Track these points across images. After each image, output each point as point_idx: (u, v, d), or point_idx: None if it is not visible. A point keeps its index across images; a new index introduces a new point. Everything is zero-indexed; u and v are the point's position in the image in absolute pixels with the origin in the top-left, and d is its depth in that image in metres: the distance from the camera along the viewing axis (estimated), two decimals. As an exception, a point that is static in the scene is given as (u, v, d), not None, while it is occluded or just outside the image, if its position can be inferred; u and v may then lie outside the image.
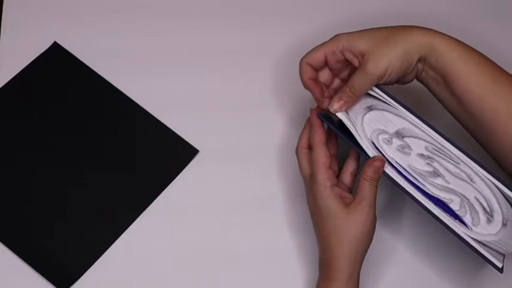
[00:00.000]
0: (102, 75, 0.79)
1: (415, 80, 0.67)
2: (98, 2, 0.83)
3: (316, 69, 0.68)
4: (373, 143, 0.65)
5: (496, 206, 0.63)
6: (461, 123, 0.67)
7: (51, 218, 0.73)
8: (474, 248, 0.62)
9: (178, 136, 0.77)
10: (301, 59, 0.68)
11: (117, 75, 0.79)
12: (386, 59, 0.63)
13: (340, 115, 0.65)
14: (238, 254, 0.72)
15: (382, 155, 0.64)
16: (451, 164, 0.64)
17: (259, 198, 0.75)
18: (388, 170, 0.64)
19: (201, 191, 0.75)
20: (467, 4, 0.85)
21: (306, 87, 0.68)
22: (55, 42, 0.81)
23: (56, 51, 0.80)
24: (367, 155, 0.64)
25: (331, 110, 0.65)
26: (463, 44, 0.65)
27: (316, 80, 0.68)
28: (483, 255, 0.62)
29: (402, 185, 0.63)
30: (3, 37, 0.81)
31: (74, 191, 0.74)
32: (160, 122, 0.77)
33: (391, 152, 0.64)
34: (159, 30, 0.82)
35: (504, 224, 0.63)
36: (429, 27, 0.65)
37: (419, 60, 0.64)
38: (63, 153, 0.76)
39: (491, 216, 0.63)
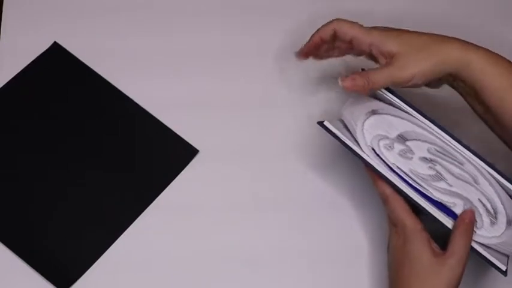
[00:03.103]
0: (102, 75, 0.79)
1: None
2: (98, 2, 0.83)
3: (325, 41, 0.69)
4: (373, 149, 0.64)
5: (500, 207, 0.63)
6: (489, 127, 0.66)
7: (52, 218, 0.73)
8: (477, 251, 0.62)
9: (178, 136, 0.77)
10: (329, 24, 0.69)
11: (117, 75, 0.79)
12: (415, 68, 0.62)
13: (330, 126, 0.65)
14: (238, 254, 0.72)
15: (383, 161, 0.64)
16: (455, 165, 0.64)
17: (259, 198, 0.75)
18: (389, 175, 0.63)
19: (201, 191, 0.75)
20: (472, 2, 0.85)
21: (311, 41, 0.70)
22: (55, 42, 0.81)
23: (56, 51, 0.80)
24: (367, 162, 0.64)
25: (340, 83, 0.64)
26: (498, 57, 0.64)
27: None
28: (487, 259, 0.62)
29: (405, 190, 0.63)
30: (3, 37, 0.81)
31: (74, 191, 0.74)
32: (160, 122, 0.77)
33: (392, 157, 0.64)
34: (159, 30, 0.82)
35: (509, 224, 0.63)
36: (465, 40, 0.64)
37: (450, 74, 0.64)
38: (63, 153, 0.76)
39: (495, 218, 0.63)
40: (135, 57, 0.81)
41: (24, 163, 0.75)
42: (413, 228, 0.62)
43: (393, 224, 0.64)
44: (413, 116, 0.65)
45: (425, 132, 0.64)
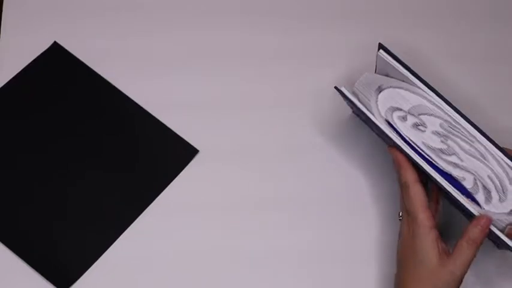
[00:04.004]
0: (102, 75, 0.79)
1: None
2: (98, 2, 0.83)
3: None
4: (387, 121, 0.65)
5: (509, 187, 0.63)
6: None
7: (51, 218, 0.73)
8: (493, 232, 0.62)
9: (178, 136, 0.77)
10: None
11: (117, 75, 0.79)
12: None
13: (347, 92, 0.66)
14: (238, 254, 0.72)
15: (397, 131, 0.65)
16: (465, 142, 0.64)
17: (259, 198, 0.75)
18: (404, 145, 0.64)
19: (201, 191, 0.75)
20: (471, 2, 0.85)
21: None
22: (55, 42, 0.81)
23: (56, 51, 0.80)
24: (381, 129, 0.65)
25: None
26: None
27: None
28: (496, 235, 0.62)
29: (419, 162, 0.63)
30: (3, 37, 0.81)
31: (74, 191, 0.74)
32: (160, 122, 0.77)
33: (405, 129, 0.65)
34: (159, 30, 0.82)
35: None
36: None
37: None
38: (63, 153, 0.76)
39: (504, 194, 0.63)
40: (135, 57, 0.81)
41: (24, 163, 0.75)
42: (424, 225, 0.62)
43: (407, 212, 0.64)
44: (427, 93, 0.65)
45: (437, 109, 0.65)
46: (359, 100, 0.67)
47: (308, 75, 0.80)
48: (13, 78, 0.79)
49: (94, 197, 0.74)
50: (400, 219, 0.67)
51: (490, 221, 0.62)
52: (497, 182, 0.63)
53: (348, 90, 0.67)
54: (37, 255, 0.71)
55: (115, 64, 0.80)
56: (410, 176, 0.64)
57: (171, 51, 0.81)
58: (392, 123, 0.65)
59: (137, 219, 0.73)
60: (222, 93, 0.79)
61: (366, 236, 0.73)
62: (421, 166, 0.64)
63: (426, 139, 0.64)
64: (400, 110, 0.66)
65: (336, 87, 0.68)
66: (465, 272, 0.61)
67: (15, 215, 0.73)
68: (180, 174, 0.75)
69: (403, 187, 0.65)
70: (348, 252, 0.73)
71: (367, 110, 0.66)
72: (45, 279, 0.70)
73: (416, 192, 0.63)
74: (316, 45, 0.82)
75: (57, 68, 0.80)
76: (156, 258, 0.72)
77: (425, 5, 0.84)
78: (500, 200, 0.63)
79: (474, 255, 0.62)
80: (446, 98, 0.65)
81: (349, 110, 0.78)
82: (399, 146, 0.65)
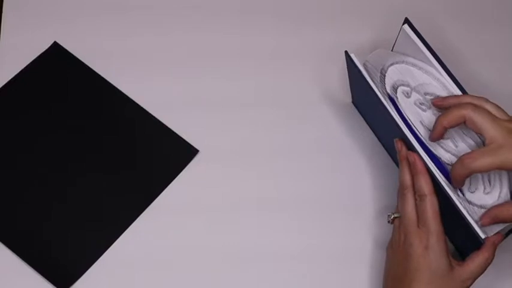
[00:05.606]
0: (102, 75, 0.79)
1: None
2: (98, 2, 0.83)
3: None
4: (389, 96, 0.65)
5: (497, 184, 0.62)
6: None
7: (52, 218, 0.73)
8: (458, 208, 0.61)
9: (178, 136, 0.77)
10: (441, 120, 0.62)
11: (117, 75, 0.79)
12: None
13: (355, 59, 0.66)
14: (238, 254, 0.72)
15: (397, 107, 0.64)
16: (466, 129, 0.63)
17: (259, 198, 0.75)
18: (399, 121, 0.63)
19: (201, 191, 0.75)
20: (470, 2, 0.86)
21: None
22: (55, 42, 0.81)
23: (56, 51, 0.80)
24: (382, 103, 0.64)
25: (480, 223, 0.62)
26: None
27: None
28: (466, 218, 0.61)
29: (410, 139, 0.63)
30: (3, 37, 0.81)
31: (74, 191, 0.74)
32: (160, 122, 0.78)
33: (406, 105, 0.64)
34: (159, 30, 0.82)
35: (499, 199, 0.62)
36: None
37: None
38: (63, 153, 0.76)
39: (491, 188, 0.62)
40: (135, 57, 0.81)
41: (24, 163, 0.75)
42: (439, 237, 0.62)
43: (419, 223, 0.63)
44: (441, 75, 0.64)
45: (446, 93, 0.64)
46: (366, 70, 0.66)
47: (307, 75, 0.80)
48: (13, 78, 0.79)
49: (94, 197, 0.74)
50: (389, 222, 0.67)
51: (502, 236, 0.62)
52: (486, 178, 0.62)
53: (357, 58, 0.66)
54: (37, 255, 0.71)
55: (115, 64, 0.80)
56: (428, 186, 0.62)
57: (171, 51, 0.81)
58: (394, 97, 0.64)
59: (137, 219, 0.73)
60: (222, 93, 0.79)
61: (366, 236, 0.73)
62: (414, 146, 0.62)
63: (425, 119, 0.64)
64: (407, 85, 0.65)
65: (346, 52, 0.67)
66: (475, 277, 0.62)
67: (15, 215, 0.73)
68: (180, 174, 0.75)
69: (420, 197, 0.63)
70: (348, 253, 0.73)
71: (371, 79, 0.65)
72: (45, 279, 0.70)
73: (434, 203, 0.62)
74: (315, 45, 0.82)
75: (57, 68, 0.80)
76: (156, 258, 0.72)
77: (425, 5, 0.84)
78: (485, 192, 0.62)
79: (484, 270, 0.62)
80: (463, 87, 0.64)
81: (349, 110, 0.78)
82: (394, 121, 0.63)
